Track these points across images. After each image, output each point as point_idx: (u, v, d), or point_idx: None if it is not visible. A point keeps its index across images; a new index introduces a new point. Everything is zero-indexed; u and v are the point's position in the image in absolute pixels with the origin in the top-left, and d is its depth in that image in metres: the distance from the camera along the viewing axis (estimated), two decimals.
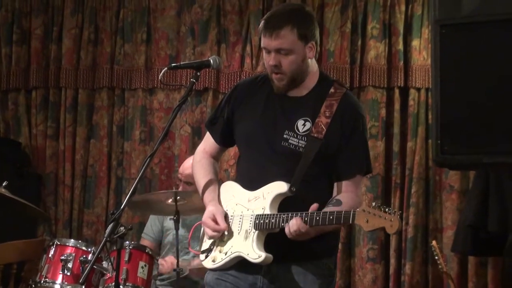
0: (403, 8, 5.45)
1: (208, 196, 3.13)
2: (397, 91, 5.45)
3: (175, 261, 4.33)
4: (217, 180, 3.22)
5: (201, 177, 3.20)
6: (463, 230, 4.54)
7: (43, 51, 6.08)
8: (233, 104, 3.15)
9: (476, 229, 4.41)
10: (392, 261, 5.36)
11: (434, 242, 4.80)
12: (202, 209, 4.26)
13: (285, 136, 3.00)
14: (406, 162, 5.41)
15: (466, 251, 4.65)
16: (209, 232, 3.04)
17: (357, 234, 5.45)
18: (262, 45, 3.04)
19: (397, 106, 5.45)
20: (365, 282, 5.39)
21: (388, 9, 5.48)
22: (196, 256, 4.55)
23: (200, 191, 3.19)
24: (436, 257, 4.73)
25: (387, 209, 2.70)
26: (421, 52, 5.40)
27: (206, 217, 3.05)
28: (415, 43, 5.42)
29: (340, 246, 4.64)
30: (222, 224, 3.01)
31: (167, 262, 4.64)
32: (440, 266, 4.75)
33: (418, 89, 5.42)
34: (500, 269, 5.03)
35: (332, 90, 3.04)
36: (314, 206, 2.84)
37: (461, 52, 2.14)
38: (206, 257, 3.10)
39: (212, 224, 3.02)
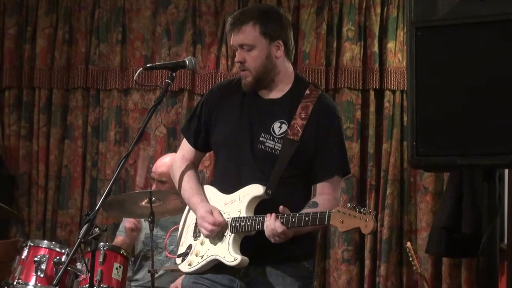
0: (378, 10, 5.47)
1: (197, 199, 3.07)
2: (372, 93, 5.47)
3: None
4: (200, 185, 3.16)
5: (185, 183, 3.14)
6: (437, 231, 4.57)
7: (16, 51, 6.01)
8: (209, 108, 3.13)
9: (450, 230, 4.45)
10: (367, 262, 5.38)
11: (408, 244, 4.82)
12: (176, 210, 4.26)
13: (261, 139, 2.98)
14: (381, 164, 5.43)
15: (440, 252, 4.68)
16: (208, 227, 2.95)
17: (332, 235, 5.46)
18: (230, 43, 3.09)
19: (372, 108, 5.47)
20: (340, 284, 5.40)
21: (364, 11, 5.49)
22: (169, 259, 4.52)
23: (185, 196, 3.13)
24: (410, 259, 4.76)
25: (362, 210, 2.69)
26: (396, 54, 5.43)
27: (203, 212, 2.98)
28: (390, 45, 5.44)
29: None
30: (220, 218, 2.96)
31: None
32: (414, 268, 4.77)
33: (393, 91, 5.44)
34: (475, 270, 5.06)
35: (307, 91, 3.03)
36: (281, 208, 2.81)
37: (436, 54, 2.15)
38: (183, 260, 3.08)
39: (211, 218, 2.95)
